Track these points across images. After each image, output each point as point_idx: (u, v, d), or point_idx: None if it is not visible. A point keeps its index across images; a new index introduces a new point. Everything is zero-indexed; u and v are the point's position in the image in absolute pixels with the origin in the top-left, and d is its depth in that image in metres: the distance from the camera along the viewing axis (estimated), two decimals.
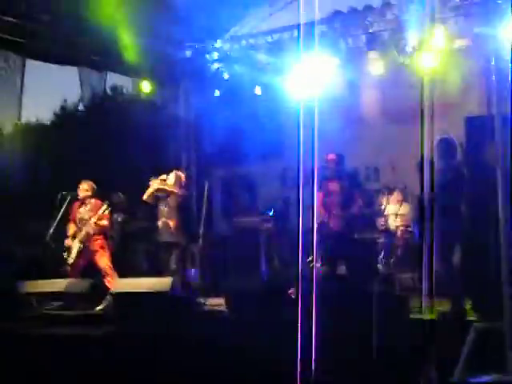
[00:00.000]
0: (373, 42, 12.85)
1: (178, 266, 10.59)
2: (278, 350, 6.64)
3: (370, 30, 12.86)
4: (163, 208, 10.72)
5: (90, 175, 11.53)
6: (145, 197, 10.94)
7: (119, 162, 15.43)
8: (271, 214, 13.44)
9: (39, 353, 7.30)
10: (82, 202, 10.96)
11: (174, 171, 11.03)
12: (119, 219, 12.65)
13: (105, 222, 10.86)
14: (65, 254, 10.63)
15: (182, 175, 11.01)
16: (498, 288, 7.00)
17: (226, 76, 14.46)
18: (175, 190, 10.75)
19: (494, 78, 7.77)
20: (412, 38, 12.13)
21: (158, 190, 10.78)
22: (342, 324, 7.14)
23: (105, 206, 10.83)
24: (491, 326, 6.48)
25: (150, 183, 10.91)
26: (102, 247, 10.81)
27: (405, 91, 13.50)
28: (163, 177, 10.86)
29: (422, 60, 12.17)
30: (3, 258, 12.88)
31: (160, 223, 10.75)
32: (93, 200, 10.94)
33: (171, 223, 10.64)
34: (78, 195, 10.94)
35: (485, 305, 7.33)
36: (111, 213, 11.18)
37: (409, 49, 12.17)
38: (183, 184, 10.91)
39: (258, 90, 14.12)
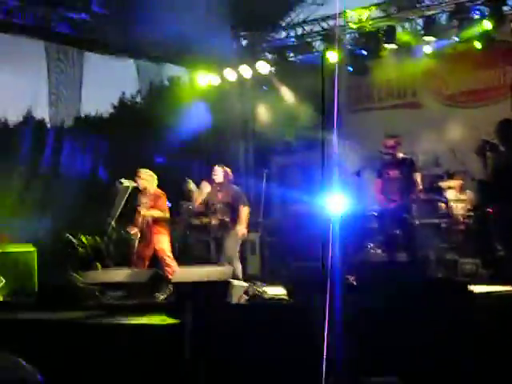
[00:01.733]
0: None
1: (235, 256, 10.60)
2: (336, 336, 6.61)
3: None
4: (216, 205, 10.74)
5: (150, 164, 11.63)
6: (196, 204, 10.99)
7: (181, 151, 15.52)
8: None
9: (101, 343, 7.36)
10: (144, 192, 11.04)
11: (220, 167, 10.96)
12: (186, 207, 12.72)
13: (159, 212, 10.92)
14: (132, 244, 10.77)
15: (229, 170, 10.96)
16: None
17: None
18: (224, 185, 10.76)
19: None
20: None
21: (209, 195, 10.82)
22: (401, 311, 7.06)
23: (153, 195, 10.89)
24: None
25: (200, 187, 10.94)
26: (160, 235, 10.89)
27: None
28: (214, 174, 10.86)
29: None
30: (66, 248, 13.10)
31: (214, 220, 10.77)
32: (152, 189, 11.01)
33: (226, 219, 10.65)
34: (138, 185, 11.02)
35: None
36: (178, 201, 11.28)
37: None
38: (231, 178, 10.87)
39: None
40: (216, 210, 10.70)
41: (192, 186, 12.62)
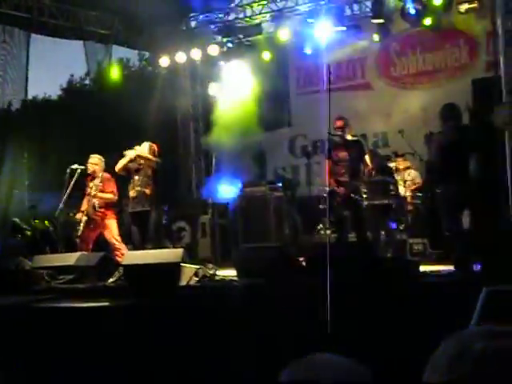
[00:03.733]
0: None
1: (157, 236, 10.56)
2: (286, 316, 6.66)
3: None
4: (137, 177, 10.68)
5: (97, 149, 11.56)
6: (116, 169, 10.89)
7: (125, 134, 15.42)
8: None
9: (50, 326, 7.32)
10: (93, 177, 10.99)
11: (147, 142, 10.93)
12: None
13: (107, 195, 10.88)
14: (77, 227, 10.72)
15: (155, 146, 10.94)
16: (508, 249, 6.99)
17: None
18: (150, 157, 10.70)
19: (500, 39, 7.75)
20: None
21: (136, 158, 10.72)
22: (354, 290, 7.13)
23: (100, 179, 10.82)
24: (502, 289, 6.47)
25: (125, 153, 10.85)
26: (108, 219, 10.86)
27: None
28: (136, 148, 10.81)
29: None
30: (15, 232, 12.97)
31: (132, 193, 10.70)
32: (101, 173, 10.96)
33: (147, 191, 10.60)
34: (87, 169, 10.96)
35: (495, 266, 7.30)
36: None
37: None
38: (156, 154, 10.84)
39: None
40: (135, 183, 10.67)
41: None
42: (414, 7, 12.33)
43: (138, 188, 10.59)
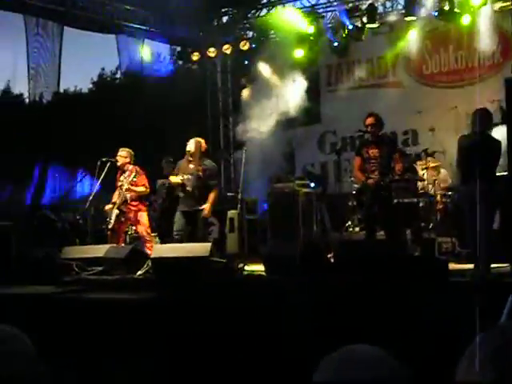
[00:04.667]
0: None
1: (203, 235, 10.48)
2: (313, 314, 6.65)
3: None
4: (186, 177, 10.57)
5: (127, 143, 11.61)
6: (172, 182, 10.86)
7: (153, 128, 15.48)
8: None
9: (77, 317, 7.37)
10: (122, 170, 11.04)
11: (194, 138, 10.81)
12: (165, 185, 12.73)
13: (141, 188, 10.91)
14: (107, 220, 10.77)
15: (203, 142, 10.82)
16: None
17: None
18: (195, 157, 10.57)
19: None
20: None
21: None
22: (382, 288, 7.12)
23: (134, 173, 10.83)
24: None
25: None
26: (139, 213, 10.90)
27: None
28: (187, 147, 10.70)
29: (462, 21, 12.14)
30: (45, 224, 13.06)
31: (184, 193, 10.61)
32: (131, 167, 10.99)
33: (196, 192, 10.47)
34: (117, 162, 11.02)
35: None
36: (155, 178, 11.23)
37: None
38: (204, 150, 10.72)
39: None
40: (185, 183, 10.53)
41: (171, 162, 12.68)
42: (448, 5, 12.29)
43: (189, 188, 10.49)
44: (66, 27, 14.21)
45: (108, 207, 10.91)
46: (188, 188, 10.46)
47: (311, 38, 14.25)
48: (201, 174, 10.42)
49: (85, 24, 14.15)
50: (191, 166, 10.53)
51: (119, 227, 10.87)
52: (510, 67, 12.54)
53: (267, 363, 6.06)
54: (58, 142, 15.98)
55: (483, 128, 8.22)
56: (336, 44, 14.41)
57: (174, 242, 10.17)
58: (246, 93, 15.09)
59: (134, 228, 11.20)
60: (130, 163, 11.04)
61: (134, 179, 10.83)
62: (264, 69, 14.77)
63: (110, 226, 10.73)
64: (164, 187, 12.73)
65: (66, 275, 9.48)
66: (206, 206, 10.30)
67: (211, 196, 10.41)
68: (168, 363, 6.64)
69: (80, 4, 13.68)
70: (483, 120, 8.29)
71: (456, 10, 12.58)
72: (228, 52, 15.10)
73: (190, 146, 10.61)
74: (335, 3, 14.35)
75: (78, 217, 13.41)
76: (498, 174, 8.20)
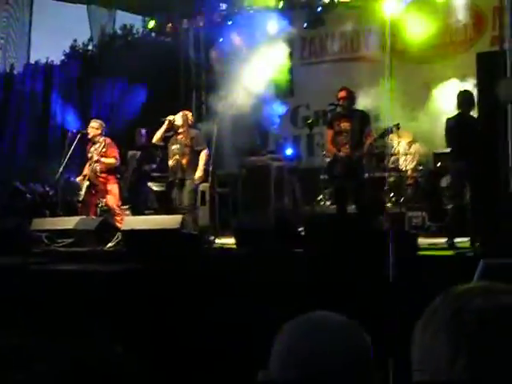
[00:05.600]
0: None
1: (190, 204, 10.50)
2: (285, 286, 6.68)
3: None
4: (174, 147, 10.62)
5: (104, 114, 11.56)
6: (154, 139, 10.83)
7: (134, 99, 15.37)
8: (289, 153, 13.47)
9: (46, 289, 7.34)
10: (93, 141, 10.99)
11: (181, 111, 10.89)
12: (136, 157, 12.70)
13: (111, 160, 10.86)
14: (78, 192, 10.73)
15: (189, 114, 10.88)
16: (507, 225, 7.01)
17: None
18: (183, 129, 10.62)
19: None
20: None
21: (167, 129, 10.66)
22: (351, 260, 7.16)
23: (103, 144, 10.78)
24: (499, 262, 6.48)
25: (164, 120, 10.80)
26: (109, 185, 10.85)
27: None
28: (170, 117, 10.73)
29: None
30: (14, 195, 12.97)
31: (171, 162, 10.64)
32: (102, 138, 10.93)
33: (183, 161, 10.52)
34: (87, 134, 10.96)
35: (494, 240, 7.33)
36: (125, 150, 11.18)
37: None
38: (191, 123, 10.79)
39: None
40: (174, 152, 10.59)
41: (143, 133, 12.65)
42: None
43: (177, 157, 10.53)
44: None
45: (79, 179, 10.86)
46: (177, 157, 10.50)
47: (284, 10, 14.16)
48: (188, 141, 10.52)
49: None
50: (179, 136, 10.61)
51: (90, 199, 10.81)
52: (482, 43, 12.59)
53: (232, 332, 6.08)
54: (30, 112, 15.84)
55: (465, 109, 8.66)
56: (310, 17, 14.34)
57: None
58: (218, 66, 15.01)
59: (104, 200, 11.15)
60: (101, 135, 10.99)
61: (104, 150, 10.78)
62: (237, 42, 14.67)
63: (80, 198, 10.69)
64: (135, 159, 12.68)
65: (36, 246, 9.45)
66: (198, 172, 10.41)
67: (201, 158, 10.52)
68: (138, 335, 6.64)
69: None
70: (465, 101, 8.75)
71: None
72: (201, 24, 14.99)
73: (178, 119, 10.66)
74: None
75: (48, 188, 13.33)
76: None
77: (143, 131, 13.06)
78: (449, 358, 1.28)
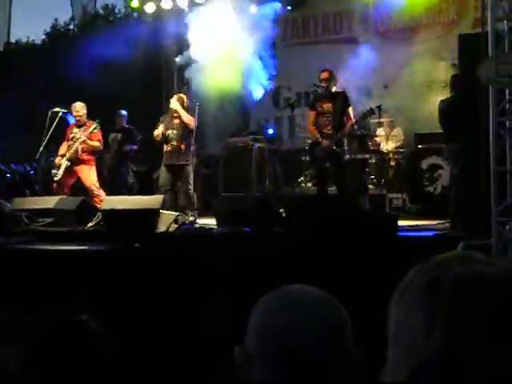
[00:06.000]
0: None
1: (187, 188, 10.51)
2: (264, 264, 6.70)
3: None
4: (170, 132, 10.59)
5: (85, 95, 11.51)
6: (155, 135, 10.77)
7: (116, 80, 15.27)
8: (270, 132, 13.47)
9: (27, 268, 7.33)
10: (77, 123, 10.98)
11: (177, 94, 10.89)
12: (117, 139, 12.70)
13: (95, 143, 10.89)
14: (53, 172, 10.70)
15: (184, 97, 10.85)
16: (486, 206, 7.06)
17: None
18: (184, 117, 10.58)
19: None
20: None
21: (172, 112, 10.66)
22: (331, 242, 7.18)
23: (94, 126, 10.82)
24: (478, 243, 6.53)
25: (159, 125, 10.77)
26: (89, 166, 10.86)
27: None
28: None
29: None
30: None
31: (168, 147, 10.60)
32: (88, 121, 10.95)
33: (182, 146, 10.52)
34: (72, 114, 10.97)
35: (473, 222, 7.37)
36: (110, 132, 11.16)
37: None
38: (186, 106, 10.75)
39: None
40: (170, 138, 10.57)
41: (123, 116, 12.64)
42: None
43: (174, 143, 10.51)
44: None
45: (57, 159, 10.83)
46: (173, 142, 10.48)
47: None
48: (184, 125, 10.51)
49: None
50: (176, 121, 10.59)
51: (66, 180, 10.80)
52: (464, 25, 12.60)
53: (216, 310, 6.10)
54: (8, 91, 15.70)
55: (457, 91, 8.69)
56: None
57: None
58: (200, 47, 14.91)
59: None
60: (85, 117, 11.00)
61: (95, 130, 10.80)
62: (219, 22, 14.56)
63: (56, 178, 10.68)
64: (116, 140, 12.67)
65: (16, 226, 9.41)
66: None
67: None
68: (118, 315, 6.64)
69: None
70: (456, 84, 8.78)
71: None
72: (185, 5, 14.84)
73: (173, 103, 10.69)
74: None
75: (28, 168, 13.28)
76: None
77: (123, 113, 13.04)
78: (424, 330, 1.27)
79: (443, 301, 1.26)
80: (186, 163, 10.48)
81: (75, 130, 10.96)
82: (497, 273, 1.27)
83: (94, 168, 10.99)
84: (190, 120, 10.47)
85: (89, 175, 10.84)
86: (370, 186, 11.34)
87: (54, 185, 10.79)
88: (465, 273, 1.28)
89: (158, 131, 10.62)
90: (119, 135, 12.84)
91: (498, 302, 1.23)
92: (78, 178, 10.93)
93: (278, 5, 13.69)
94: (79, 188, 11.08)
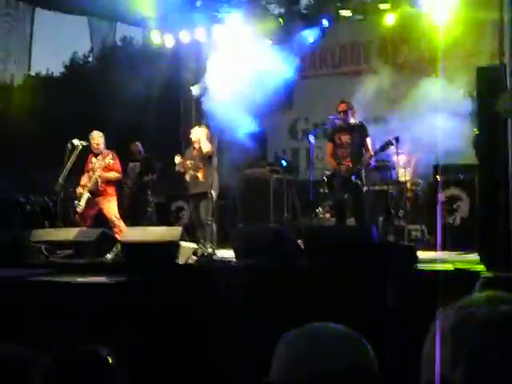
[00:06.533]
0: None
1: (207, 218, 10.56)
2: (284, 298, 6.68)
3: None
4: (189, 161, 10.70)
5: (102, 127, 11.59)
6: (177, 163, 10.89)
7: (133, 112, 15.38)
8: (284, 163, 13.48)
9: (46, 301, 7.33)
10: (95, 153, 11.05)
11: (201, 127, 11.03)
12: (136, 169, 12.75)
13: (115, 174, 10.97)
14: (75, 203, 10.75)
15: (207, 130, 10.97)
16: (507, 238, 7.01)
17: None
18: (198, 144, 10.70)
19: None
20: None
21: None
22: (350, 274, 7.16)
23: (110, 156, 10.87)
24: (498, 276, 6.48)
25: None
26: (109, 197, 10.90)
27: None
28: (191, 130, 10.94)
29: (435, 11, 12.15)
30: (14, 207, 12.96)
31: (188, 176, 10.73)
32: (106, 151, 11.02)
33: (199, 175, 10.61)
34: (91, 145, 11.04)
35: (493, 255, 7.31)
36: (126, 162, 11.21)
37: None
38: (208, 137, 10.86)
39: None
40: (189, 166, 10.72)
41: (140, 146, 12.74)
42: None
43: (192, 172, 10.65)
44: (37, 8, 14.02)
45: (79, 190, 10.88)
46: (191, 172, 10.70)
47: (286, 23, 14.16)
48: (203, 155, 10.64)
49: (57, 5, 13.98)
50: (194, 152, 10.85)
51: (88, 211, 10.84)
52: (480, 56, 12.61)
53: (235, 342, 6.08)
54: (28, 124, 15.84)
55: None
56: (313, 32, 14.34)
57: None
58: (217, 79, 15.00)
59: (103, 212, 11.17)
60: (103, 147, 11.08)
61: (111, 161, 10.85)
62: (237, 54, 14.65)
63: (79, 210, 10.72)
64: (134, 171, 12.73)
65: (35, 258, 9.42)
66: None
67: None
68: (140, 344, 6.64)
69: None
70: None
71: None
72: (201, 37, 14.95)
73: (196, 134, 10.90)
74: None
75: (47, 199, 13.34)
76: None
77: (139, 144, 13.16)
78: (450, 364, 1.28)
79: (468, 342, 1.27)
80: (203, 192, 10.51)
81: (93, 159, 11.03)
82: None
83: (114, 198, 11.04)
84: (208, 147, 10.56)
85: (109, 207, 10.89)
86: (389, 218, 11.29)
87: (77, 216, 10.84)
88: (492, 314, 1.29)
89: (178, 161, 10.74)
90: (137, 164, 12.89)
91: None
92: (100, 209, 10.98)
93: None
94: (99, 218, 11.11)
